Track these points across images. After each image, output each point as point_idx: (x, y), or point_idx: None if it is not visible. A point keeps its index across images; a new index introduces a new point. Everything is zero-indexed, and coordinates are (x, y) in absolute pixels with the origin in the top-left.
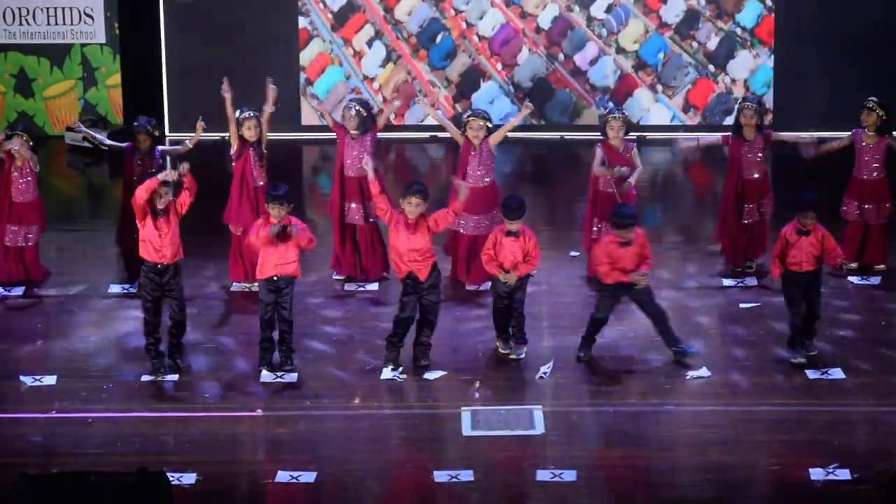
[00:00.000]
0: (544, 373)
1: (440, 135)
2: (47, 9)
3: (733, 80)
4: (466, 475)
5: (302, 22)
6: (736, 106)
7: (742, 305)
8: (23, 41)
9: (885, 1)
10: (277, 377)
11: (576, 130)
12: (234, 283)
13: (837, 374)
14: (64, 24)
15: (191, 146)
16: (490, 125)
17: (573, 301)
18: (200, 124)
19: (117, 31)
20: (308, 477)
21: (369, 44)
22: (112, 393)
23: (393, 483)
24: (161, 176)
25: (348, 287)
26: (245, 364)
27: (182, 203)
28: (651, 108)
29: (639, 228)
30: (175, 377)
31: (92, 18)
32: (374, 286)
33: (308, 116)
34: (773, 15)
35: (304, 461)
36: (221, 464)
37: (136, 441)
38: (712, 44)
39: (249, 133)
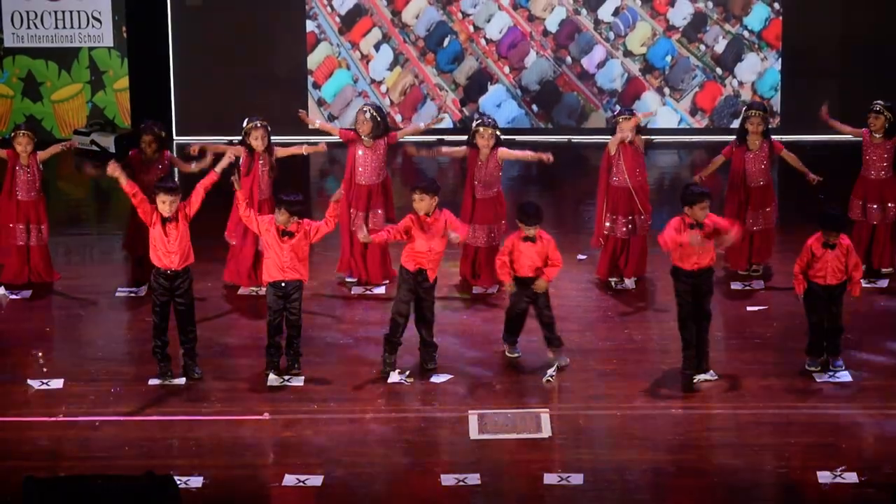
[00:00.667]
0: (551, 375)
1: (448, 138)
2: (55, 12)
3: (741, 83)
4: (473, 479)
5: (309, 25)
6: (742, 112)
7: (749, 308)
8: (31, 45)
9: (894, 4)
10: (284, 381)
11: (583, 134)
12: (241, 287)
13: (845, 376)
14: (72, 27)
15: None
16: (499, 133)
17: (579, 304)
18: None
19: (125, 35)
20: (315, 481)
21: (377, 47)
22: (119, 396)
23: (400, 486)
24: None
25: (356, 290)
26: (252, 368)
27: (189, 210)
28: (658, 111)
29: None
30: (182, 381)
31: (100, 22)
32: (381, 289)
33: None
34: (780, 18)
35: (311, 465)
36: (228, 468)
37: (143, 445)
38: (720, 47)
39: (257, 143)
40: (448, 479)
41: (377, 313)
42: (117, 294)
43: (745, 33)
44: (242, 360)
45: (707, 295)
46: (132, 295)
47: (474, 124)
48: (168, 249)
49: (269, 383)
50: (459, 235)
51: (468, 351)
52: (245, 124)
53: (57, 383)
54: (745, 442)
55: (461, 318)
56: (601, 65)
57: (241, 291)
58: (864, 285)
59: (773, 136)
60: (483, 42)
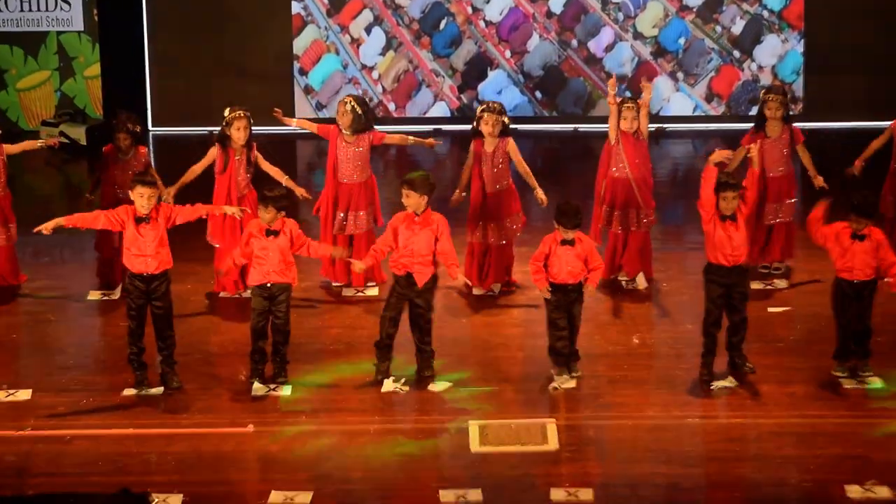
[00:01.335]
0: (558, 383)
1: (445, 128)
2: None
3: (760, 67)
4: (475, 494)
5: (295, 7)
6: (760, 96)
7: (770, 310)
8: None
9: None
10: (270, 390)
11: (590, 122)
12: (223, 291)
13: (875, 383)
14: (39, 10)
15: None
16: (506, 119)
17: (586, 306)
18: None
19: (96, 18)
20: (304, 498)
21: (368, 30)
22: (92, 408)
23: (396, 503)
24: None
25: (346, 293)
26: (235, 376)
27: (174, 217)
28: (671, 97)
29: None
30: (160, 390)
31: (69, 4)
32: (373, 291)
33: (302, 109)
34: None
35: (299, 481)
36: (210, 484)
37: (117, 460)
38: (737, 28)
39: (238, 134)
40: (447, 495)
41: (370, 317)
42: (89, 297)
43: (765, 13)
44: (225, 367)
45: (742, 300)
46: (105, 298)
47: (478, 110)
48: (143, 252)
49: (253, 393)
50: (451, 276)
51: (468, 357)
52: (227, 113)
53: (24, 394)
54: (768, 454)
55: (461, 322)
56: (609, 48)
57: (222, 295)
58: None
59: (795, 124)
60: (482, 24)
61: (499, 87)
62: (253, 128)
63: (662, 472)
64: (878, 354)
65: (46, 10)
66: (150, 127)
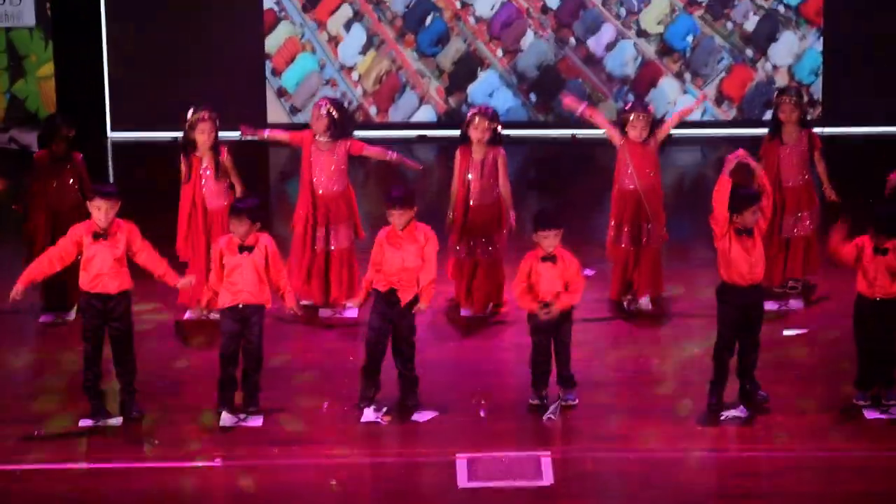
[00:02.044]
0: (553, 412)
1: (430, 133)
2: None
3: (775, 67)
4: None
5: (267, 2)
6: (773, 99)
7: (786, 332)
8: None
9: None
10: (240, 420)
11: (589, 128)
12: (189, 311)
13: None
14: None
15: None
16: (499, 127)
17: (586, 328)
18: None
19: (49, 13)
20: None
21: (347, 27)
22: (44, 440)
23: None
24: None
25: (324, 313)
26: (202, 405)
27: (138, 251)
28: (678, 100)
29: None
30: (118, 421)
31: None
32: (352, 313)
33: (275, 113)
34: None
35: None
36: None
37: (72, 498)
38: (750, 24)
39: (203, 137)
40: None
41: (349, 341)
42: (41, 319)
43: (781, 8)
44: (190, 395)
45: (758, 322)
46: (59, 321)
47: (470, 112)
48: (99, 271)
49: (221, 423)
50: (423, 305)
51: (456, 384)
52: (190, 115)
53: None
54: (783, 490)
55: (448, 347)
56: (611, 47)
57: (187, 315)
58: None
59: (814, 129)
60: (472, 20)
61: (490, 89)
62: (221, 133)
63: None
64: None
65: None
66: (108, 132)
